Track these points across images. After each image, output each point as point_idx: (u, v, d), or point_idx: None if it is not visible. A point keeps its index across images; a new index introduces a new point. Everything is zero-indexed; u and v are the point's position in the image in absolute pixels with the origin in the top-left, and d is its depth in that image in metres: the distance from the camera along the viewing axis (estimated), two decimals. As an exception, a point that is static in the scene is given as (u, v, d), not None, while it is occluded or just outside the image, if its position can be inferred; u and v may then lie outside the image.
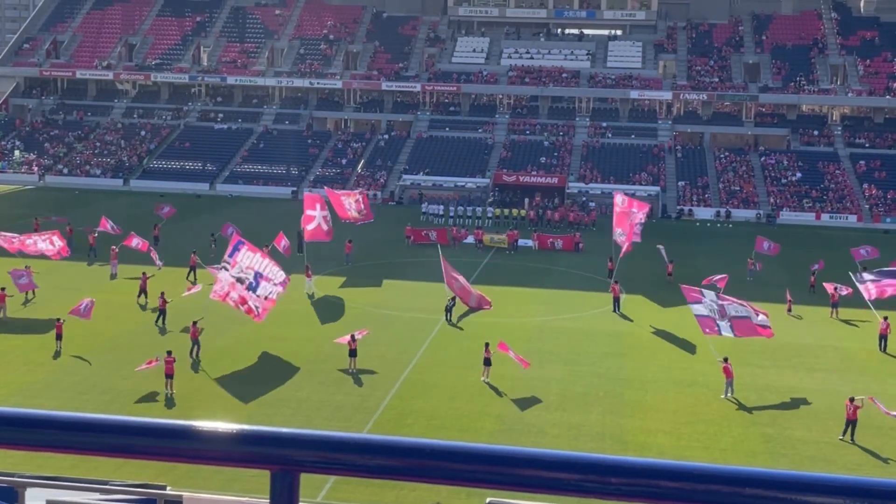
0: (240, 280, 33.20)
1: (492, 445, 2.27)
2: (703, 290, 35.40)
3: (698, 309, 33.87)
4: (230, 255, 33.82)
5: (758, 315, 33.13)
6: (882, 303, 40.80)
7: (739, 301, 33.98)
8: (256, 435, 2.27)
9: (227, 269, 33.48)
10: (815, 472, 2.15)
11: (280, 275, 34.34)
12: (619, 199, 48.57)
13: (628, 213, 46.80)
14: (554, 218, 67.66)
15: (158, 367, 29.83)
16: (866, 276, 40.84)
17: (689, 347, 36.44)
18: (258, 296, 33.24)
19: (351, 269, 47.85)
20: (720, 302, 33.40)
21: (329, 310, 41.15)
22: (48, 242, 43.96)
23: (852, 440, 27.01)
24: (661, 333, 38.68)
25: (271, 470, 2.27)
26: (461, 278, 40.80)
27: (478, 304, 40.51)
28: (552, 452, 2.22)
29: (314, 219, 45.68)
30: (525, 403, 29.64)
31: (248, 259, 33.63)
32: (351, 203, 51.63)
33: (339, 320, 39.04)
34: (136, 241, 46.50)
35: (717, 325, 33.12)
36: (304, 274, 43.95)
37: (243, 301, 33.30)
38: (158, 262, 44.91)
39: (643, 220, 47.48)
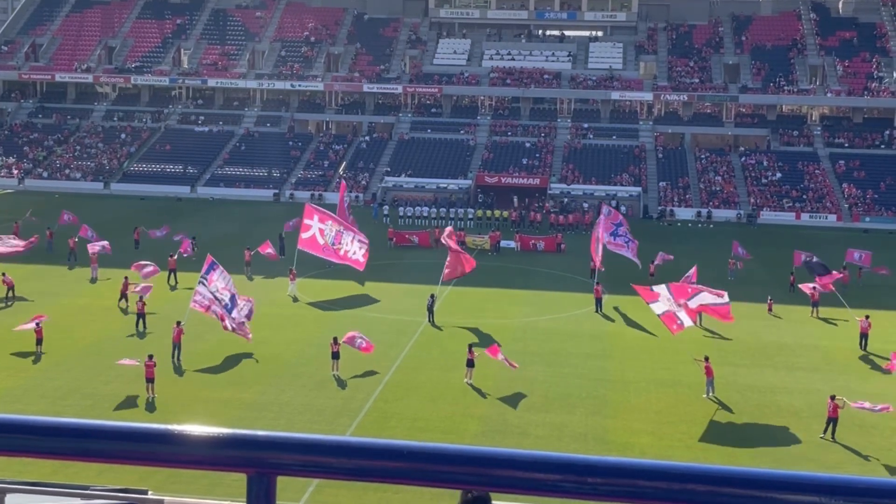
0: (217, 298, 34.16)
1: (470, 446, 2.27)
2: (653, 287, 35.48)
3: (658, 307, 33.83)
4: (206, 274, 35.09)
5: (719, 297, 33.39)
6: (864, 301, 41.19)
7: (697, 288, 34.09)
8: (232, 438, 2.26)
9: (204, 285, 34.45)
10: (796, 470, 2.16)
11: (246, 305, 35.62)
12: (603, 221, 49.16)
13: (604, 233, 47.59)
14: (568, 221, 67.33)
15: (139, 371, 29.66)
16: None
17: (671, 348, 36.52)
18: (233, 318, 34.12)
19: (333, 272, 47.71)
20: (670, 294, 33.57)
21: (312, 312, 41.06)
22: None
23: (833, 438, 27.15)
24: (643, 334, 38.78)
25: (247, 473, 2.26)
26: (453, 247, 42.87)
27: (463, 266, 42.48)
28: (530, 453, 2.22)
29: (310, 228, 45.69)
30: (508, 404, 29.65)
31: (224, 280, 34.81)
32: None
33: (321, 323, 38.95)
34: (98, 246, 47.00)
35: (678, 318, 33.01)
36: (287, 277, 43.98)
37: (223, 318, 33.98)
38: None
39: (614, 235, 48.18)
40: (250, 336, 34.41)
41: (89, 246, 46.68)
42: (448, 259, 42.57)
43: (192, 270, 38.49)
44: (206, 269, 35.11)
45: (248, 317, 35.39)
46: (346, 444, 2.26)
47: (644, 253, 49.38)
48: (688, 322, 33.05)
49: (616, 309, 42.29)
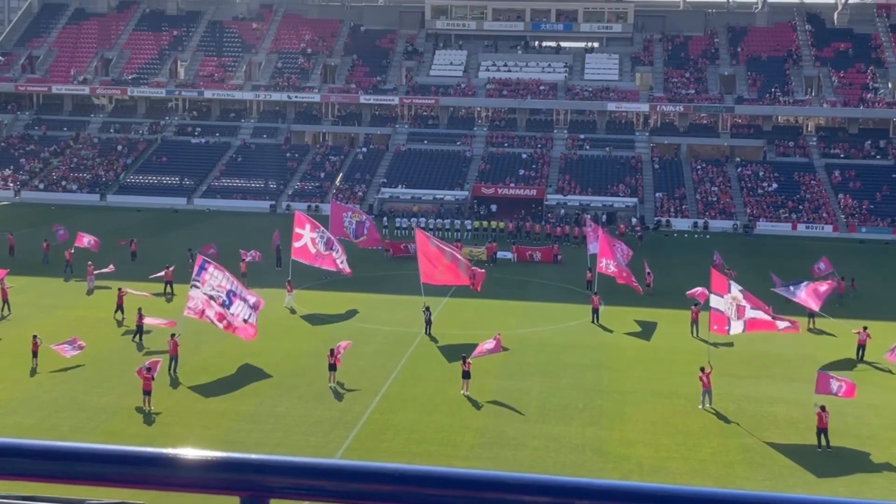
0: (212, 297, 33.72)
1: (463, 469, 2.28)
2: (731, 284, 33.62)
3: (716, 301, 32.87)
4: (197, 275, 34.49)
5: (779, 322, 32.88)
6: (859, 312, 41.23)
7: (764, 309, 33.24)
8: (224, 461, 2.27)
9: (197, 287, 33.94)
10: (792, 481, 2.18)
11: (251, 297, 35.00)
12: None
13: (610, 243, 47.10)
14: (564, 232, 67.10)
15: (135, 383, 29.61)
16: (788, 289, 41.13)
17: (667, 358, 36.54)
18: (234, 314, 33.73)
19: (330, 283, 47.72)
20: (743, 303, 32.57)
21: (308, 324, 41.03)
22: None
23: (828, 448, 27.12)
24: (640, 344, 38.79)
25: (240, 496, 2.28)
26: (446, 252, 41.93)
27: (470, 275, 41.98)
28: (523, 476, 2.23)
29: (302, 237, 45.65)
30: (505, 416, 29.61)
31: (217, 278, 34.33)
32: (351, 220, 52.28)
33: (318, 335, 38.92)
34: (86, 240, 48.09)
35: (728, 325, 32.69)
36: (284, 288, 43.92)
37: (221, 317, 33.63)
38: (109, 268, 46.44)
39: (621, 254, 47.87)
40: (253, 334, 34.16)
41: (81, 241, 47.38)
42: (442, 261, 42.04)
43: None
44: (198, 271, 34.48)
45: (256, 308, 34.91)
46: (339, 467, 2.27)
47: (637, 264, 49.38)
48: (735, 331, 32.78)
49: (613, 320, 42.32)
